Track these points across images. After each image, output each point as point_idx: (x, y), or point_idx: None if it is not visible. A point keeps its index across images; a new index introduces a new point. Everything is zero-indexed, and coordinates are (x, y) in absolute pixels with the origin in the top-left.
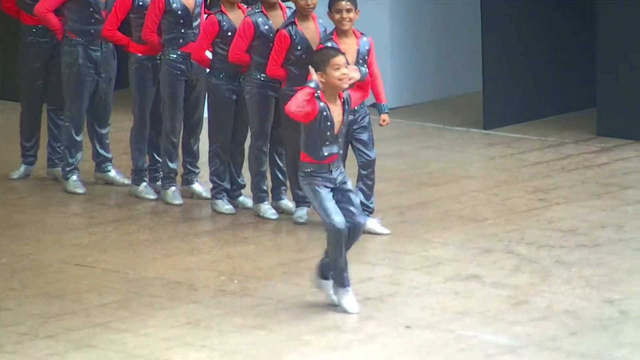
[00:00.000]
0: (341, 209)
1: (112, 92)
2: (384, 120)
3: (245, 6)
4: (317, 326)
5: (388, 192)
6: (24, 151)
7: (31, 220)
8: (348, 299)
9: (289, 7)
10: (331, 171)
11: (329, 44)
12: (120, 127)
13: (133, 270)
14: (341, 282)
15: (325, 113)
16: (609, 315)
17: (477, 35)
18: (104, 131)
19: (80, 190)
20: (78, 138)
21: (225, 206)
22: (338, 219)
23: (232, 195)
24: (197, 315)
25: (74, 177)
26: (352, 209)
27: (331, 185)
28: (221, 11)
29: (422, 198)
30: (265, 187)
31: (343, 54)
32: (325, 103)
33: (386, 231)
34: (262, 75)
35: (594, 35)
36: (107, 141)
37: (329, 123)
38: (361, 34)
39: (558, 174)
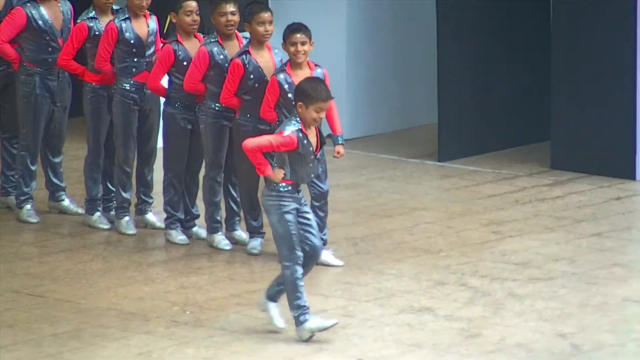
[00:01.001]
0: (301, 230)
1: (66, 121)
2: (338, 152)
3: (202, 35)
4: (270, 358)
5: (342, 224)
6: None
7: None
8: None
9: (245, 37)
10: (299, 191)
11: (282, 76)
12: (74, 156)
13: (85, 300)
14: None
15: (305, 141)
16: (561, 348)
17: (433, 67)
18: (57, 160)
19: (34, 220)
20: (33, 167)
21: (178, 236)
22: (298, 251)
23: (186, 225)
24: (150, 346)
25: (28, 207)
26: (311, 231)
27: (297, 206)
28: (177, 40)
29: (376, 229)
30: (219, 218)
31: (332, 98)
32: (304, 132)
33: (339, 263)
34: (217, 104)
35: (548, 69)
36: (61, 170)
37: (311, 148)
38: (315, 65)
39: (512, 207)
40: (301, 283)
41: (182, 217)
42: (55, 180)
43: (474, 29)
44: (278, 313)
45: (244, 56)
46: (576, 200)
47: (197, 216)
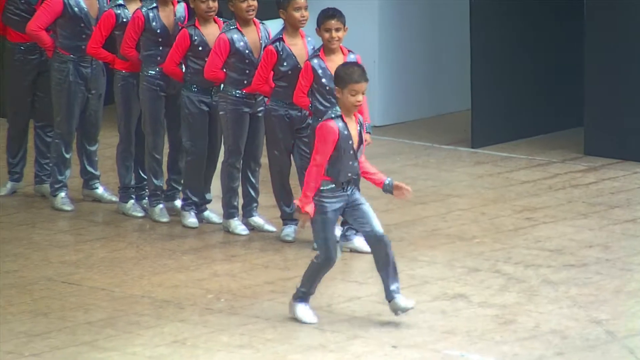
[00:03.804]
0: (360, 224)
1: (101, 109)
2: (365, 140)
3: (222, 20)
4: (303, 345)
5: (375, 210)
6: (10, 168)
7: (17, 237)
8: (303, 311)
9: (225, 21)
10: (344, 189)
11: (316, 61)
12: (108, 144)
13: (120, 288)
14: (302, 299)
15: (345, 132)
16: (595, 335)
17: (466, 53)
18: (92, 148)
19: (68, 208)
20: (67, 155)
21: (189, 219)
22: (334, 254)
23: (198, 209)
24: (184, 333)
25: (62, 194)
26: (368, 220)
27: (344, 204)
28: (194, 25)
29: (410, 216)
30: (235, 203)
31: (367, 80)
32: (344, 122)
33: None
34: (237, 91)
35: (582, 54)
36: (96, 158)
37: (350, 142)
38: (349, 51)
39: (545, 193)
40: (321, 277)
41: (197, 200)
42: (89, 169)
43: (507, 14)
44: (404, 299)
45: (277, 43)
46: (610, 186)
47: (209, 201)
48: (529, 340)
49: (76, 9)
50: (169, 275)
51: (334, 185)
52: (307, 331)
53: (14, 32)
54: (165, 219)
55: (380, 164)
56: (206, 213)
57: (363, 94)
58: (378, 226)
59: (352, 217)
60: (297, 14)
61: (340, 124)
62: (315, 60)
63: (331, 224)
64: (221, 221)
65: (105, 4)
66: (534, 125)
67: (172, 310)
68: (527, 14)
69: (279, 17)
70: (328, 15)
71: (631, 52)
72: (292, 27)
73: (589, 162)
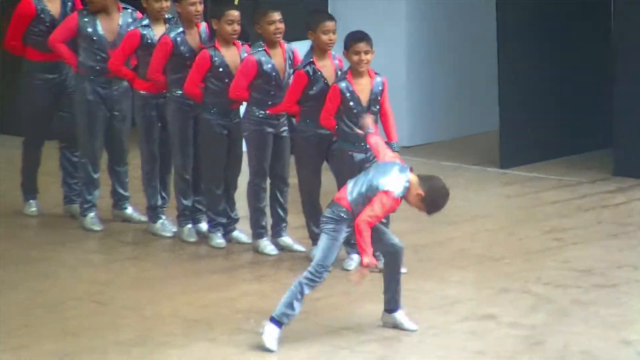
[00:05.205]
0: (378, 239)
1: (128, 131)
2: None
3: (241, 43)
4: None
5: (404, 231)
6: (26, 187)
7: (47, 257)
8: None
9: (288, 43)
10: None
11: (344, 84)
12: (137, 165)
13: (149, 307)
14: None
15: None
16: (626, 356)
17: (494, 73)
18: (121, 169)
19: (97, 227)
20: (95, 175)
21: (216, 240)
22: (330, 266)
23: (226, 230)
24: (213, 353)
25: (92, 214)
26: (386, 232)
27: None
28: (214, 46)
29: (439, 237)
30: (264, 223)
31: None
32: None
33: (403, 270)
34: (261, 112)
35: (612, 75)
36: (126, 179)
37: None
38: (375, 73)
39: (574, 214)
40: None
41: (224, 221)
42: (119, 190)
43: (535, 34)
44: (405, 317)
45: (308, 67)
46: (639, 207)
47: (237, 220)
48: None
49: (89, 29)
50: (199, 295)
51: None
52: (338, 352)
53: (35, 50)
54: (193, 239)
55: None
56: (235, 233)
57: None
58: (396, 239)
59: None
60: (325, 37)
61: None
62: (343, 84)
63: (337, 245)
64: (250, 241)
65: (127, 28)
66: (563, 145)
67: (202, 330)
68: (556, 34)
69: (306, 38)
70: (357, 38)
71: None
72: (321, 49)
73: (618, 183)
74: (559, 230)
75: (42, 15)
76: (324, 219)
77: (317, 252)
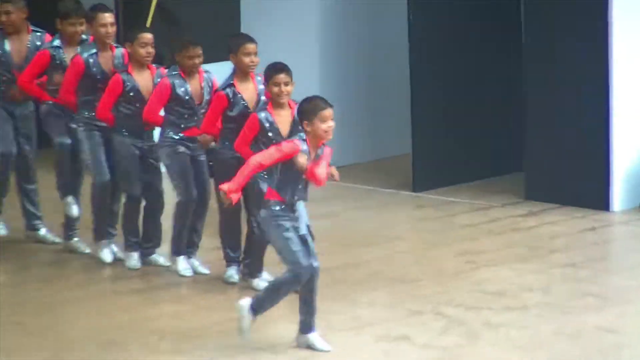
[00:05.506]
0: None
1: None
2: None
3: (155, 66)
4: None
5: (317, 253)
6: None
7: None
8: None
9: (207, 72)
10: (294, 212)
11: (263, 114)
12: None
13: (63, 329)
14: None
15: (307, 157)
16: None
17: (406, 98)
18: (31, 187)
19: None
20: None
21: (107, 257)
22: (306, 262)
23: (145, 252)
24: None
25: None
26: (308, 251)
27: (293, 224)
28: (126, 71)
29: (352, 259)
30: (184, 243)
31: (332, 106)
32: (309, 147)
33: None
34: (176, 136)
35: (522, 99)
36: (36, 198)
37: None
38: (295, 103)
39: (486, 237)
40: (284, 297)
41: (137, 240)
42: (31, 209)
43: (447, 59)
44: (319, 338)
45: (228, 89)
46: (550, 231)
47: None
48: None
49: None
50: (113, 316)
51: (285, 207)
52: None
53: None
54: (108, 260)
55: (321, 207)
56: (153, 256)
57: (332, 120)
58: (314, 259)
59: None
60: (246, 59)
61: (305, 147)
62: (262, 114)
63: (293, 238)
64: (169, 264)
65: (34, 51)
66: (475, 169)
67: (117, 352)
68: (468, 58)
69: (221, 60)
70: (277, 69)
71: (570, 99)
72: (242, 72)
73: (529, 207)
74: (471, 253)
75: None
76: (262, 221)
77: (280, 257)
